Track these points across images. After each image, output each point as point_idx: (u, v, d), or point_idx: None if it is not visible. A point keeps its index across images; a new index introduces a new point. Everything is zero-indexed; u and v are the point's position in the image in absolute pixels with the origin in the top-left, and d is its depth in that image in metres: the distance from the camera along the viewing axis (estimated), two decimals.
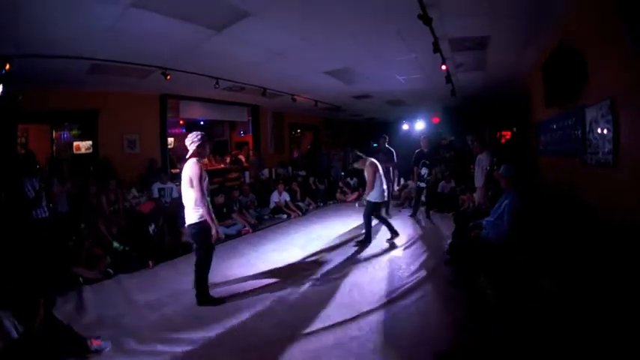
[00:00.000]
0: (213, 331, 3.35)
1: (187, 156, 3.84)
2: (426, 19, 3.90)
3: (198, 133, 3.89)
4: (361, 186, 11.19)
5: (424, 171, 7.99)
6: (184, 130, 11.32)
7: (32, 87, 5.90)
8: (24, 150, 6.43)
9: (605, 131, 3.12)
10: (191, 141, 3.82)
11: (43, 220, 4.58)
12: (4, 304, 2.58)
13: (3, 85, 4.51)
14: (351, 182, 11.64)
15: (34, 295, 2.92)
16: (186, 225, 3.87)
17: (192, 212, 3.78)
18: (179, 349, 3.08)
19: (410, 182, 9.67)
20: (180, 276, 4.75)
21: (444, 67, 5.71)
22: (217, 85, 6.85)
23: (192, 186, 3.69)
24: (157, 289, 4.43)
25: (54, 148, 7.33)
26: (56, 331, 2.91)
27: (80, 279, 4.40)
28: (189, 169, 3.72)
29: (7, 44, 4.30)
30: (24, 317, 2.60)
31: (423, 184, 8.10)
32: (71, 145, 7.58)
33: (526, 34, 4.90)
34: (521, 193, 3.73)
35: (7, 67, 4.40)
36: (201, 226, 3.78)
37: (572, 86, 3.80)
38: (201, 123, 11.75)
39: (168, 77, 5.93)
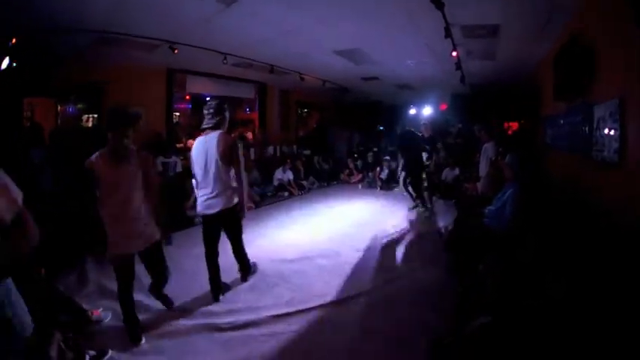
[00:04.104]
0: (213, 306, 3.43)
1: (209, 126, 3.36)
2: (438, 4, 3.86)
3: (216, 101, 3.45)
4: (365, 168, 11.25)
5: (424, 156, 7.98)
6: (190, 106, 11.27)
7: (38, 60, 5.81)
8: (29, 122, 6.40)
9: (612, 131, 3.09)
10: (214, 110, 3.36)
11: (47, 192, 4.61)
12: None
13: (9, 58, 4.50)
14: (358, 164, 11.64)
15: (34, 266, 2.94)
16: (222, 209, 3.36)
17: (229, 193, 3.38)
18: (179, 319, 3.16)
19: None
20: (179, 248, 4.82)
21: (454, 53, 5.64)
22: (225, 61, 6.78)
23: (229, 162, 3.29)
24: None
25: (59, 121, 7.30)
26: (57, 301, 2.96)
27: (87, 251, 4.47)
28: (225, 141, 3.26)
29: (12, 18, 4.25)
30: (23, 288, 2.59)
31: None
32: (77, 117, 7.54)
33: (537, 26, 4.82)
34: (526, 183, 3.72)
35: (14, 40, 4.39)
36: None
37: (581, 82, 3.76)
38: (207, 99, 11.68)
39: (176, 51, 5.89)
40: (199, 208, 3.43)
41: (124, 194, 2.67)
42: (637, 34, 2.43)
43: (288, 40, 5.93)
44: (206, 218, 3.45)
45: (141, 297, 3.42)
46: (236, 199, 3.43)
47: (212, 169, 3.27)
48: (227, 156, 3.25)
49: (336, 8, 4.55)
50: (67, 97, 7.27)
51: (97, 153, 2.68)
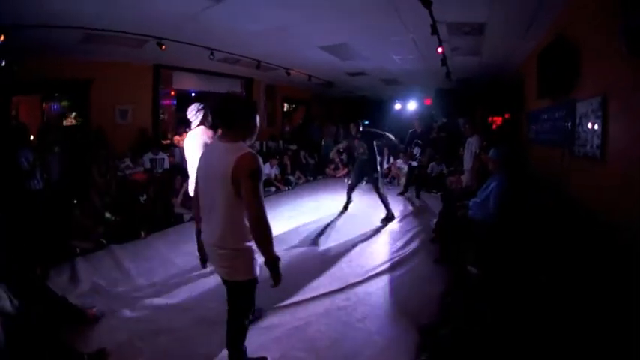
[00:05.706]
0: (205, 298, 3.45)
1: (194, 125, 3.82)
2: (425, 2, 3.90)
3: (201, 103, 3.89)
4: (350, 163, 11.31)
5: (417, 150, 8.18)
6: (175, 102, 11.14)
7: (24, 57, 5.67)
8: (14, 122, 6.27)
9: (595, 126, 3.21)
10: (196, 110, 3.81)
11: (37, 192, 4.53)
12: None
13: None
14: (343, 158, 11.69)
15: (30, 268, 2.90)
16: None
17: None
18: (172, 315, 3.18)
19: (399, 161, 9.81)
20: (171, 245, 4.84)
21: (440, 49, 5.71)
22: (212, 57, 6.75)
23: None
24: (148, 258, 4.50)
25: (45, 119, 7.17)
26: (52, 302, 2.93)
27: (77, 250, 4.44)
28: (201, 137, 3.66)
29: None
30: (19, 290, 2.55)
31: (415, 163, 8.27)
32: (62, 116, 7.42)
33: (523, 24, 4.92)
34: (509, 176, 3.81)
35: (2, 38, 4.32)
36: None
37: (565, 80, 3.86)
38: (193, 95, 11.56)
39: (164, 48, 5.82)
40: None
41: None
42: (620, 34, 2.52)
43: (276, 36, 5.91)
44: None
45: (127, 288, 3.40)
46: None
47: None
48: None
49: (323, 5, 4.56)
50: (53, 93, 7.16)
51: (244, 147, 2.08)
